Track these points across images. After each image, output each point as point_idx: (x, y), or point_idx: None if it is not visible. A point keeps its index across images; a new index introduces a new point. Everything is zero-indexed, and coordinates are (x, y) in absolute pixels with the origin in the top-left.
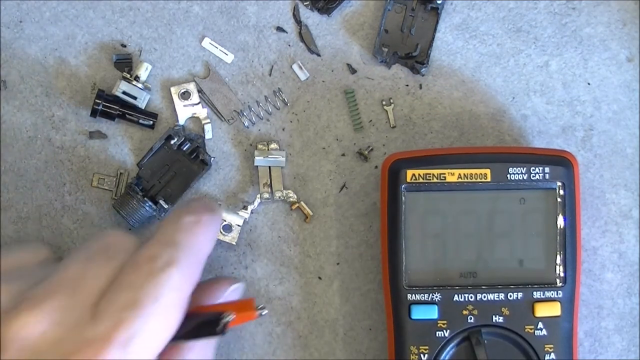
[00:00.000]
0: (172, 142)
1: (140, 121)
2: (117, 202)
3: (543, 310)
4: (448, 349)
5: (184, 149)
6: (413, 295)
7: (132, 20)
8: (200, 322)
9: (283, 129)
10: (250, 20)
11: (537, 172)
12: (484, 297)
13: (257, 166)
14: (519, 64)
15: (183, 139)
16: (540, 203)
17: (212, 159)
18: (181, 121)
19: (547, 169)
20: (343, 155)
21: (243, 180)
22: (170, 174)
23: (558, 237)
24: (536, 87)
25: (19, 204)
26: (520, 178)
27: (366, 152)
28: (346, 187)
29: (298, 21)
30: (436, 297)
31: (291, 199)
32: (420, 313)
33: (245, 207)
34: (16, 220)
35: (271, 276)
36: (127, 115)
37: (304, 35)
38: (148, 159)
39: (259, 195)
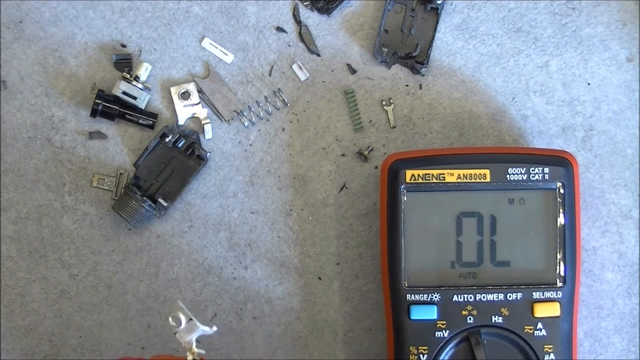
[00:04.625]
0: (167, 139)
1: (140, 121)
2: (117, 203)
3: (542, 310)
4: (447, 349)
5: (179, 145)
6: (412, 295)
7: (132, 21)
8: None
9: (283, 129)
10: (250, 20)
11: (537, 173)
12: (484, 297)
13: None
14: (519, 64)
15: (178, 135)
16: (540, 203)
17: (208, 154)
18: (181, 121)
19: (546, 169)
20: (343, 155)
21: (243, 180)
22: (167, 171)
23: (558, 237)
24: (536, 87)
25: (19, 204)
26: (520, 178)
27: (366, 152)
28: (346, 187)
29: (298, 21)
30: (435, 297)
31: None
32: (419, 313)
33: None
34: (16, 220)
35: (271, 276)
36: (127, 116)
37: (304, 36)
38: (144, 158)
39: None
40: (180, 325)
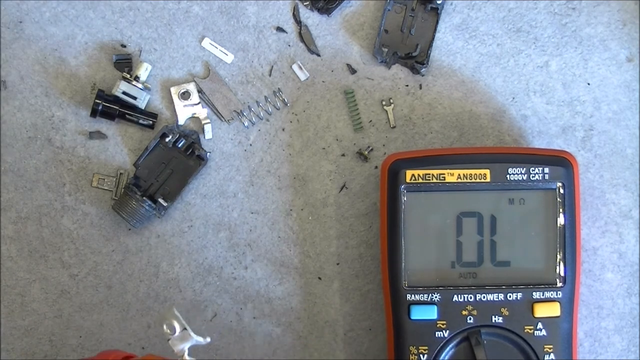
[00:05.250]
0: (167, 139)
1: (140, 121)
2: (117, 203)
3: (542, 310)
4: (447, 349)
5: (179, 145)
6: (412, 295)
7: (132, 20)
8: None
9: (283, 129)
10: (250, 20)
11: (537, 173)
12: (484, 297)
13: None
14: (519, 64)
15: (178, 135)
16: (540, 203)
17: (208, 154)
18: (181, 121)
19: (546, 169)
20: (343, 155)
21: (243, 180)
22: (167, 171)
23: (558, 237)
24: (536, 87)
25: (19, 204)
26: (520, 178)
27: (366, 152)
28: (346, 187)
29: (298, 21)
30: (435, 297)
31: None
32: (419, 313)
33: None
34: (16, 220)
35: (271, 276)
36: (127, 116)
37: (304, 36)
38: (144, 158)
39: None
40: (174, 333)
